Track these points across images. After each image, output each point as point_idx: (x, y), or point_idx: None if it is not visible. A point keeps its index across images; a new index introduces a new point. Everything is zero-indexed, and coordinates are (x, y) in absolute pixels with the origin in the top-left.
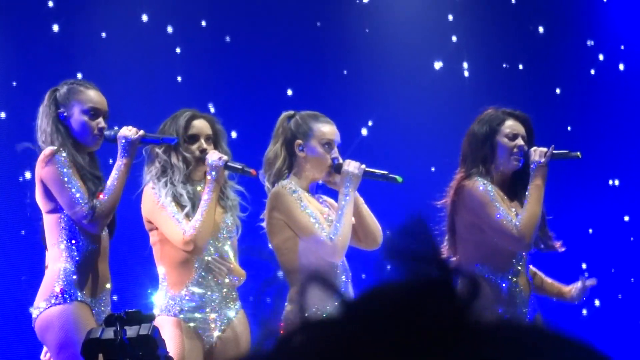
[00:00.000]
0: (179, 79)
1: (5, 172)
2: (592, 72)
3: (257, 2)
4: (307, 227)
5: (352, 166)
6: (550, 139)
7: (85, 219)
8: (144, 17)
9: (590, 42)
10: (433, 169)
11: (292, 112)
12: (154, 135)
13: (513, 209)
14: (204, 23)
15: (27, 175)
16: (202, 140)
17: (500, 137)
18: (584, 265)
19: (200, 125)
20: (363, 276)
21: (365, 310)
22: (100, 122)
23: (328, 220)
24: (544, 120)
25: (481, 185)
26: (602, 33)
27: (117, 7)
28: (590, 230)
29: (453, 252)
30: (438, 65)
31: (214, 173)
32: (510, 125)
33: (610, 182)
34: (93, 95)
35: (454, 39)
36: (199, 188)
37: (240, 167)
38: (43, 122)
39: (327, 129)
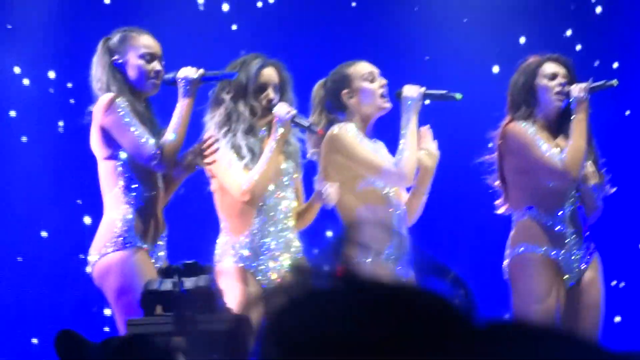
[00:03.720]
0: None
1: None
2: None
3: None
4: (371, 160)
5: (412, 91)
6: (607, 124)
7: (153, 160)
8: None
9: None
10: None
11: (322, 80)
12: (214, 72)
13: (558, 148)
14: (260, 4)
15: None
16: (270, 90)
17: (539, 79)
18: None
19: (269, 73)
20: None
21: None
22: (156, 65)
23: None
24: (600, 104)
25: (522, 126)
26: None
27: None
28: None
29: (505, 199)
30: (492, 48)
31: (280, 127)
32: (550, 66)
33: None
34: (147, 40)
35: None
36: (259, 141)
37: (307, 124)
38: (98, 71)
39: (362, 66)
